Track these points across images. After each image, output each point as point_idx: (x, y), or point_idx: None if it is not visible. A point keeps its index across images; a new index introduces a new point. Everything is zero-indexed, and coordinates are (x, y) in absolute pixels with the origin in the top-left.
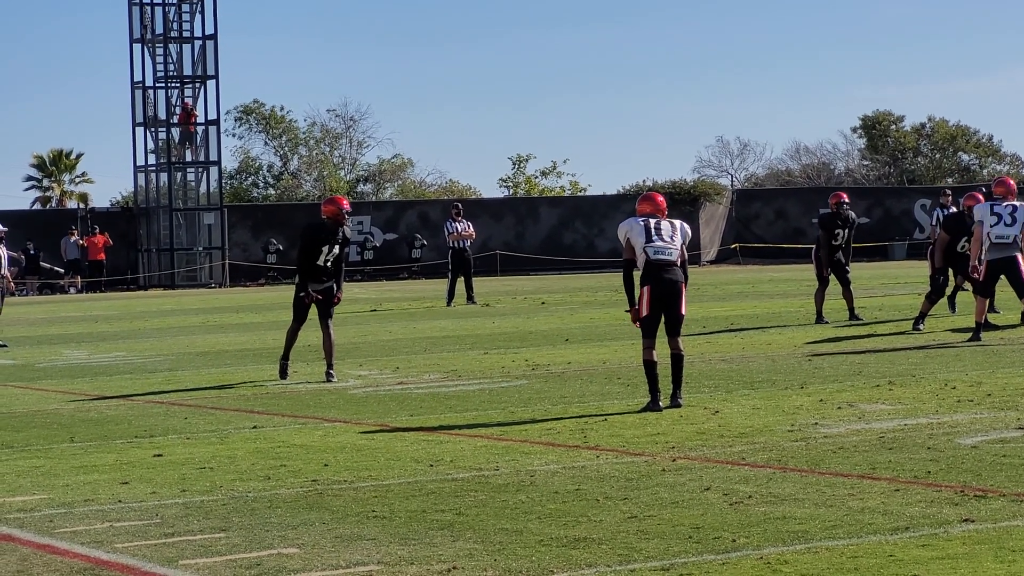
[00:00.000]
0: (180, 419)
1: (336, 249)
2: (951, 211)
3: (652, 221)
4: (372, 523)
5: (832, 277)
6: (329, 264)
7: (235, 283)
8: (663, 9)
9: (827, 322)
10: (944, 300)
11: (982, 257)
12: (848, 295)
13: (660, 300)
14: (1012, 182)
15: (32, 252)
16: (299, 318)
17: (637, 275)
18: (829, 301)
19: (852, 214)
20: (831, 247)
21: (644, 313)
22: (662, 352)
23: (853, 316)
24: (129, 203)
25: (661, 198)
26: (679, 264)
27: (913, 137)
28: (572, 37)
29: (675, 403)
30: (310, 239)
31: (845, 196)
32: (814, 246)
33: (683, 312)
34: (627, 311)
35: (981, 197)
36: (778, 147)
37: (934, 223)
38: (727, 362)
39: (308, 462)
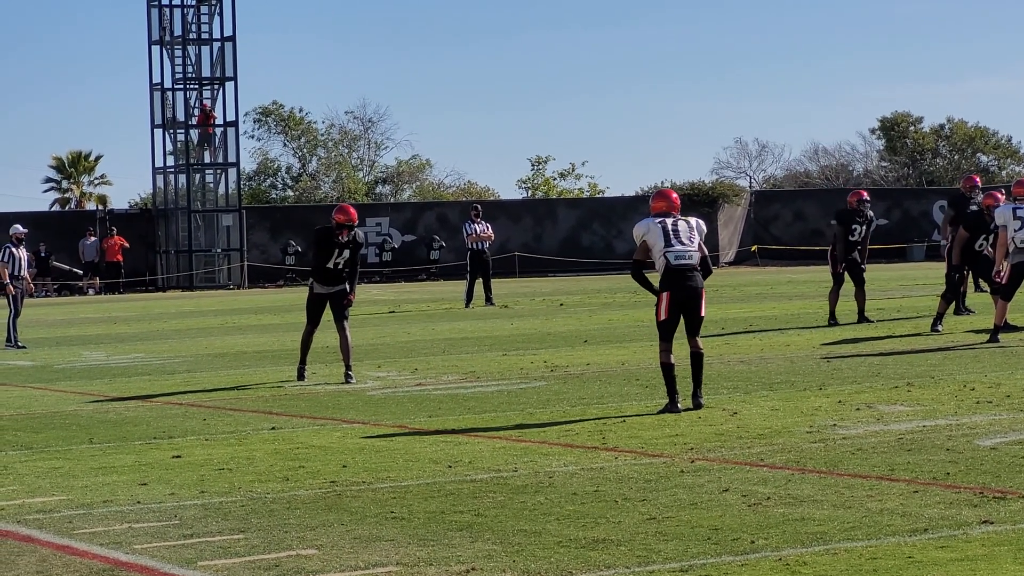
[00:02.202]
0: (199, 420)
1: (347, 253)
2: (971, 209)
3: (669, 222)
4: (390, 524)
5: (847, 277)
6: (340, 266)
7: (253, 284)
8: (682, 10)
9: (839, 323)
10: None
11: (1006, 261)
12: (861, 296)
13: (680, 305)
14: None
15: (43, 254)
16: (312, 321)
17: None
18: (842, 302)
19: (871, 213)
20: (848, 243)
21: (662, 317)
22: (680, 354)
23: (863, 318)
24: (148, 205)
25: (675, 195)
26: (699, 265)
27: (932, 138)
28: (591, 38)
29: (696, 403)
30: (322, 241)
31: (866, 194)
32: (830, 246)
33: (703, 314)
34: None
35: (1001, 196)
36: (796, 148)
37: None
38: (746, 363)
39: (326, 463)
